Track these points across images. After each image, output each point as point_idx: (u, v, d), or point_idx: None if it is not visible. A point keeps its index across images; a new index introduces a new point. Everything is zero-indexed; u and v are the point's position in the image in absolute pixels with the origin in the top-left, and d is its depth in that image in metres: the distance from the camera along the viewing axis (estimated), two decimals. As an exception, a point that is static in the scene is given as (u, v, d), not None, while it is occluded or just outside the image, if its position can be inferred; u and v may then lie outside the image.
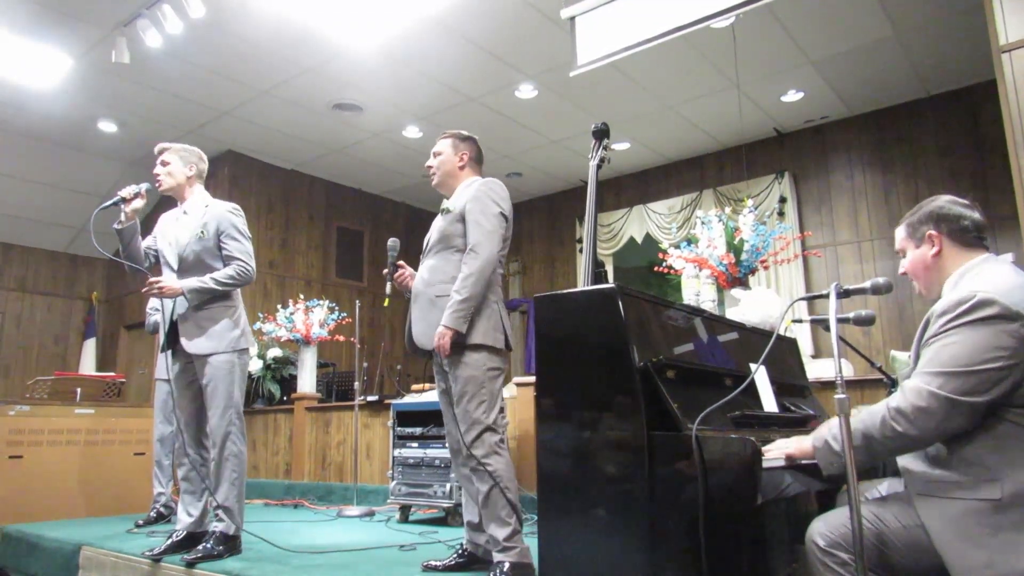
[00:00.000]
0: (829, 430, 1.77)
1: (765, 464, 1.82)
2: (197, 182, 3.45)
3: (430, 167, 3.00)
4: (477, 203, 2.77)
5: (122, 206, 3.24)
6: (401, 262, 3.06)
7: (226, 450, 3.18)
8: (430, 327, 2.75)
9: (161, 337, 3.40)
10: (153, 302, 4.57)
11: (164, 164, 3.40)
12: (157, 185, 3.40)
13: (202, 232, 3.27)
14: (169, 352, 3.34)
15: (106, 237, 3.61)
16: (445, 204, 2.89)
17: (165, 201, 3.56)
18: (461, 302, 2.63)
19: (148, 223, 3.52)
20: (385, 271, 3.03)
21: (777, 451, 1.89)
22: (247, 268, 3.28)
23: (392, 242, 3.12)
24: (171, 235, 3.38)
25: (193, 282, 3.18)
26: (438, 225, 2.89)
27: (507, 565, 2.55)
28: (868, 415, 1.72)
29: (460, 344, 2.66)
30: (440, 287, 2.77)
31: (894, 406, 1.68)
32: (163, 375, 4.47)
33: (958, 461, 1.69)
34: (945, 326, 1.70)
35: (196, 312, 3.24)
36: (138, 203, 3.28)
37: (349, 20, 5.64)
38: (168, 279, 3.22)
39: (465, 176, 2.96)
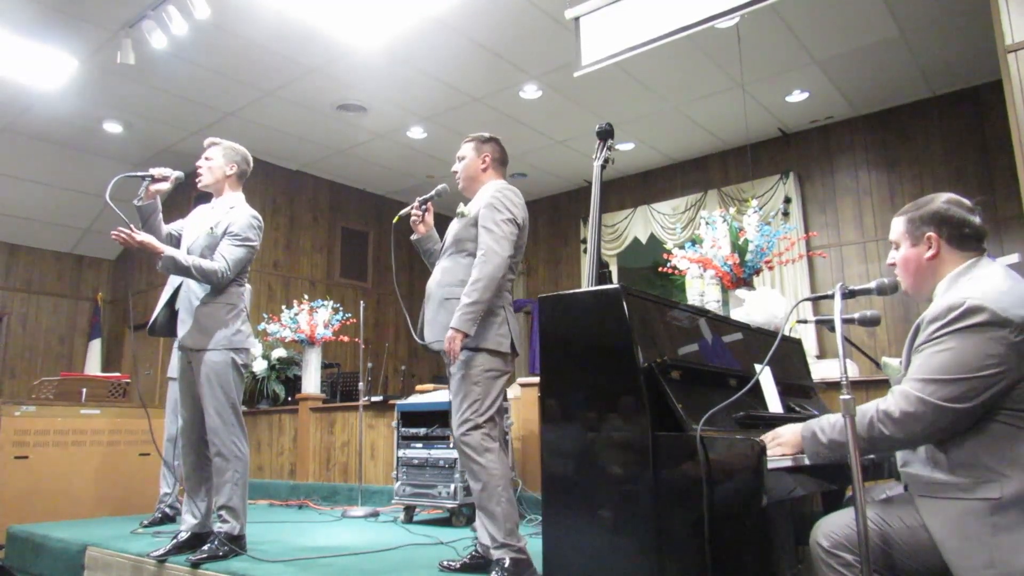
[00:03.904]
0: (817, 422, 1.83)
1: (770, 465, 1.81)
2: (236, 182, 3.43)
3: (455, 172, 3.06)
4: (490, 210, 2.81)
5: (147, 182, 3.22)
6: (430, 208, 3.09)
7: (228, 451, 3.17)
8: (437, 327, 2.81)
9: (155, 313, 3.39)
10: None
11: (207, 159, 3.39)
12: (197, 179, 3.40)
13: (213, 228, 3.26)
14: (176, 351, 3.34)
15: (123, 205, 3.41)
16: (461, 208, 2.93)
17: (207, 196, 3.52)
18: (469, 305, 2.66)
19: (172, 218, 3.53)
20: (418, 199, 3.05)
21: (772, 443, 1.91)
22: (225, 270, 3.17)
23: (441, 188, 3.06)
24: (192, 226, 3.39)
25: (176, 253, 3.10)
26: (453, 228, 2.94)
27: (507, 561, 2.58)
28: (859, 414, 1.72)
29: (464, 346, 2.71)
30: (449, 289, 2.82)
31: (883, 409, 1.71)
32: (175, 374, 4.49)
33: (957, 463, 1.69)
34: (935, 333, 1.71)
35: (195, 306, 3.22)
36: (163, 185, 3.25)
37: (353, 21, 5.65)
38: (151, 238, 3.09)
39: (488, 178, 3.00)
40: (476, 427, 2.68)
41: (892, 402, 1.70)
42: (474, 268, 2.73)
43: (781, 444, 1.89)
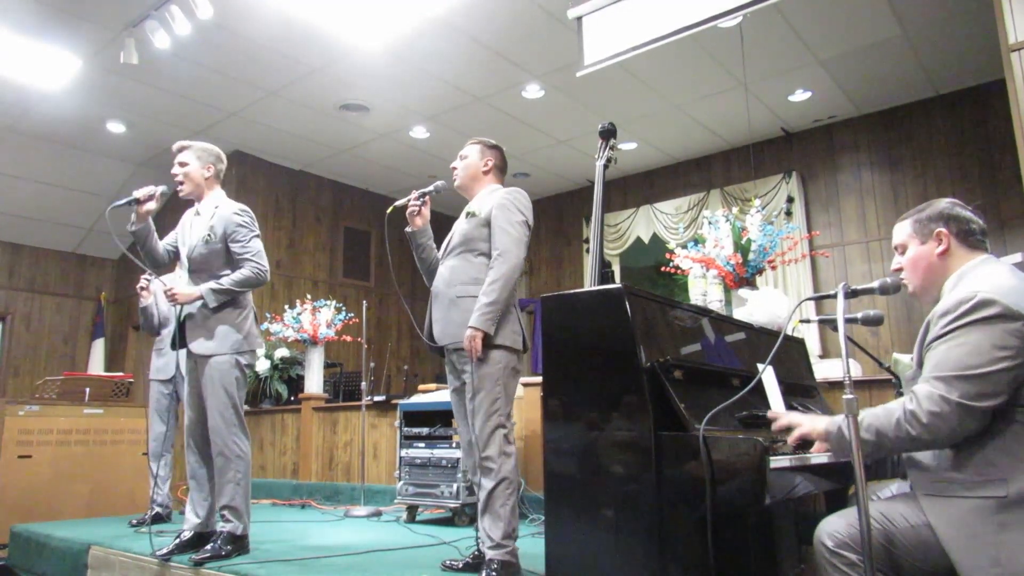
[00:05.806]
0: (845, 419, 1.78)
1: (773, 464, 1.81)
2: (215, 183, 3.42)
3: (454, 168, 3.07)
4: (504, 211, 2.82)
5: (135, 206, 3.20)
6: (427, 202, 3.01)
7: (230, 450, 3.17)
8: (450, 326, 2.81)
9: (169, 333, 3.41)
10: (142, 302, 4.64)
11: (182, 165, 3.35)
12: (178, 188, 3.38)
13: (209, 235, 3.26)
14: (180, 350, 3.35)
15: (120, 230, 3.52)
16: (470, 208, 2.94)
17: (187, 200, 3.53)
18: (489, 305, 2.67)
19: (174, 220, 3.52)
20: (416, 192, 2.99)
21: (788, 422, 1.93)
22: (260, 267, 3.26)
23: (440, 184, 3.02)
24: (184, 235, 3.40)
25: (211, 285, 3.17)
26: (461, 228, 2.93)
27: (496, 563, 2.60)
28: (884, 413, 1.72)
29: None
30: (460, 288, 2.83)
31: (910, 409, 1.68)
32: (157, 376, 4.50)
33: (964, 460, 1.69)
34: (948, 327, 1.71)
35: (203, 313, 3.23)
36: (151, 205, 3.22)
37: (356, 21, 5.65)
38: (181, 286, 3.22)
39: (488, 182, 3.02)
40: (500, 426, 2.69)
41: (917, 404, 1.68)
42: (491, 269, 2.75)
43: (803, 431, 1.89)
